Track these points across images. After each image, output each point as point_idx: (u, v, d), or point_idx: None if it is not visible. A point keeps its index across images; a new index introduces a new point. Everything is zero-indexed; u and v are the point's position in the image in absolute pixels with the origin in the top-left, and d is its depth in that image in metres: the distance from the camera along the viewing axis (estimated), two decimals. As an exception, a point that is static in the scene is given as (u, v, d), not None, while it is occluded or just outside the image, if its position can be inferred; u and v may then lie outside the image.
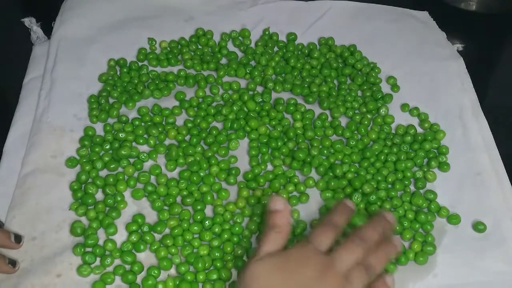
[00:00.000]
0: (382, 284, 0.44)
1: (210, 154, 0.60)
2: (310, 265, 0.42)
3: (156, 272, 0.52)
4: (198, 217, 0.55)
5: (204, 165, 0.59)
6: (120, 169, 0.59)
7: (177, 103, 0.65)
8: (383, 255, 0.45)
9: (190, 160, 0.59)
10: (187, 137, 0.62)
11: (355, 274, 0.42)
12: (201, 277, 0.52)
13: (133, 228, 0.54)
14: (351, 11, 0.78)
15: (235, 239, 0.55)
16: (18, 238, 0.52)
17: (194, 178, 0.58)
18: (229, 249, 0.54)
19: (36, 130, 0.61)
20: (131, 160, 0.60)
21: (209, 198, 0.57)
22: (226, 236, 0.54)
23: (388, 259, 0.46)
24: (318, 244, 0.44)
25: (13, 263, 0.51)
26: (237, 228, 0.55)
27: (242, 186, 0.58)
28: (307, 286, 0.41)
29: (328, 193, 0.58)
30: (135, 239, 0.54)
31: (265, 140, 0.62)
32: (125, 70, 0.68)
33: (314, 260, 0.42)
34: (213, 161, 0.60)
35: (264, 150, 0.61)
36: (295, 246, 0.45)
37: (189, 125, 0.63)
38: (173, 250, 0.53)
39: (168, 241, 0.54)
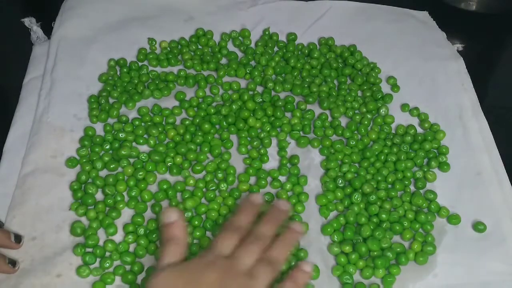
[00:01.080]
0: (299, 270, 0.45)
1: (216, 151, 0.60)
2: (213, 270, 0.42)
3: None
4: (196, 222, 0.55)
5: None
6: (120, 169, 0.59)
7: (177, 103, 0.65)
8: (284, 244, 0.46)
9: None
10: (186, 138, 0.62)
11: (259, 270, 0.43)
12: None
13: (130, 229, 0.54)
14: (351, 11, 0.78)
15: None
16: (18, 238, 0.52)
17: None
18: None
19: (36, 130, 0.61)
20: (131, 160, 0.60)
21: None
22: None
23: (291, 247, 0.46)
24: (220, 249, 0.44)
25: (13, 263, 0.51)
26: None
27: (242, 179, 0.59)
28: None
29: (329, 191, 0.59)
30: (131, 239, 0.54)
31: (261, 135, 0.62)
32: (125, 70, 0.68)
33: (216, 265, 0.43)
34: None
35: (256, 143, 0.62)
36: (198, 255, 0.45)
37: (187, 122, 0.63)
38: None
39: None
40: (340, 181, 0.59)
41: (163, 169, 0.59)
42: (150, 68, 0.69)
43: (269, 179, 0.60)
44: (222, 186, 0.58)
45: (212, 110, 0.64)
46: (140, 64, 0.69)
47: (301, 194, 0.58)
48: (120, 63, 0.68)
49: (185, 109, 0.65)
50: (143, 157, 0.60)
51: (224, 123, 0.63)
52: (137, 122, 0.63)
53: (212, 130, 0.62)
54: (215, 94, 0.66)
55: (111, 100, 0.65)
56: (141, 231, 0.54)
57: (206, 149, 0.61)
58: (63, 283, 0.51)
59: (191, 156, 0.60)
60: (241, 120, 0.63)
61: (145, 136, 0.62)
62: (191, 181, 0.58)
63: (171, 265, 0.43)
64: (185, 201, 0.56)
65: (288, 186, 0.59)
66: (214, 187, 0.58)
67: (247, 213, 0.48)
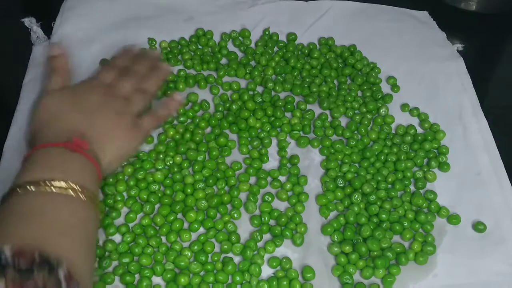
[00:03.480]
0: (171, 100, 0.57)
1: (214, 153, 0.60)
2: (96, 92, 0.50)
3: (149, 273, 0.52)
4: (195, 226, 0.55)
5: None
6: (119, 169, 0.59)
7: (177, 103, 0.65)
8: (155, 79, 0.57)
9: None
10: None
11: (134, 96, 0.53)
12: (196, 280, 0.52)
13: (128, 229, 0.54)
14: (351, 11, 0.78)
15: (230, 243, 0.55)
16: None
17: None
18: (226, 247, 0.54)
19: (36, 130, 0.61)
20: (131, 159, 0.60)
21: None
22: (221, 237, 0.54)
23: (161, 81, 0.57)
24: (101, 78, 0.53)
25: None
26: (230, 226, 0.55)
27: (242, 179, 0.59)
28: (94, 108, 0.48)
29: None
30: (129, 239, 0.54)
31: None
32: (125, 70, 0.68)
33: (98, 89, 0.51)
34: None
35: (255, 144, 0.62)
36: (81, 82, 0.54)
37: (182, 119, 0.63)
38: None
39: (164, 248, 0.54)
40: (340, 181, 0.59)
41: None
42: (150, 68, 0.69)
43: (269, 179, 0.60)
44: (221, 185, 0.58)
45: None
46: (140, 64, 0.69)
47: (301, 194, 0.58)
48: (120, 63, 0.68)
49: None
50: (143, 156, 0.59)
51: (225, 124, 0.63)
52: (137, 122, 0.63)
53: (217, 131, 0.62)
54: (215, 94, 0.66)
55: (111, 100, 0.65)
56: (138, 230, 0.54)
57: (203, 149, 0.61)
58: (63, 283, 0.51)
59: (191, 155, 0.60)
60: (242, 120, 0.63)
61: (145, 136, 0.62)
62: (189, 180, 0.58)
63: (56, 90, 0.50)
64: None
65: (288, 186, 0.59)
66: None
67: (123, 56, 0.57)
